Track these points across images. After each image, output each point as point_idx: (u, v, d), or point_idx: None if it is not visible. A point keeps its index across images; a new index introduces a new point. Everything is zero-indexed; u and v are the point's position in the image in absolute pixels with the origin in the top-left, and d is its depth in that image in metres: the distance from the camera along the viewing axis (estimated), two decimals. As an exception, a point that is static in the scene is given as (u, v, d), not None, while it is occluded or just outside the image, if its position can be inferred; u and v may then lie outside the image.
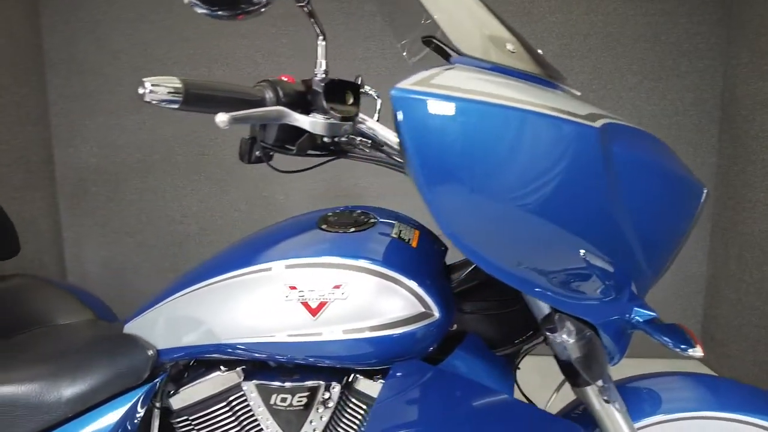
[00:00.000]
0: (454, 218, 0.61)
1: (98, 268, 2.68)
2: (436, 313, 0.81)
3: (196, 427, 0.91)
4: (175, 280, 0.97)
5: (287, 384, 0.85)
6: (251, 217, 2.60)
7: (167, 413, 1.06)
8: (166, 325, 0.91)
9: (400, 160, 0.82)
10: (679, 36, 2.37)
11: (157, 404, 1.02)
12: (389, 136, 0.80)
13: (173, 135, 2.58)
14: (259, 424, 0.89)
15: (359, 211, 0.95)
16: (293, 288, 0.80)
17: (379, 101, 1.18)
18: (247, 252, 0.89)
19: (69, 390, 0.95)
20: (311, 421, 0.86)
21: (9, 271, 1.29)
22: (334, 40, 2.47)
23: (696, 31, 2.36)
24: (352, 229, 0.87)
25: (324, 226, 0.89)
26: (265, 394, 0.86)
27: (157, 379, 0.96)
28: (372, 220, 0.90)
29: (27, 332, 1.16)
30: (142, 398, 0.96)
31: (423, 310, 0.80)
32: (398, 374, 0.73)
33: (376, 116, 1.17)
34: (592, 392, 0.83)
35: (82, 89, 2.59)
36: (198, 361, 0.98)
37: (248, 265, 0.85)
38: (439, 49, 1.21)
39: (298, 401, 0.85)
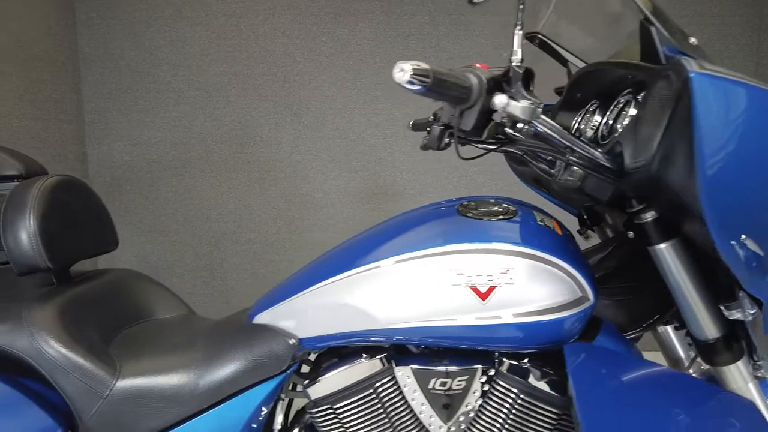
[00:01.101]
0: (724, 195, 0.65)
1: (131, 267, 2.65)
2: (591, 298, 0.84)
3: (341, 416, 0.92)
4: (311, 267, 0.98)
5: (446, 368, 0.87)
6: (289, 214, 2.60)
7: (289, 404, 1.06)
8: (311, 314, 0.92)
9: (562, 148, 0.83)
10: (711, 37, 2.44)
11: (283, 395, 1.03)
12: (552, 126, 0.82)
13: (210, 133, 2.57)
14: (406, 409, 0.91)
15: (492, 200, 0.97)
16: (460, 273, 0.81)
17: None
18: (394, 240, 0.90)
19: (205, 381, 0.96)
20: (467, 405, 0.88)
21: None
22: (375, 38, 2.49)
23: (727, 32, 2.44)
24: (501, 217, 0.89)
25: (470, 215, 0.90)
26: (423, 378, 0.88)
27: (290, 370, 0.97)
28: (513, 209, 0.93)
29: (134, 325, 1.16)
30: (274, 389, 0.97)
31: (581, 294, 0.83)
32: (577, 357, 0.76)
33: None
34: (731, 371, 0.86)
35: (117, 86, 2.56)
36: (330, 350, 0.99)
37: (398, 253, 0.86)
38: (543, 45, 1.24)
39: (457, 385, 0.87)
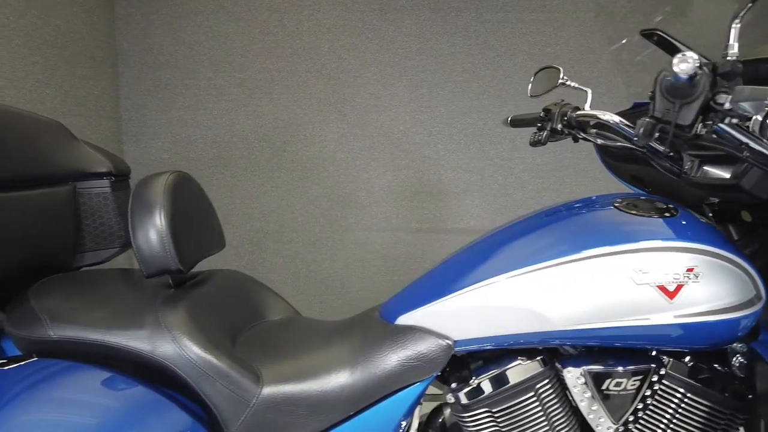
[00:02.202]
0: None
1: (171, 267, 2.59)
2: (764, 296, 0.83)
3: (499, 419, 0.90)
4: (461, 266, 0.95)
5: (621, 369, 0.86)
6: (332, 213, 2.57)
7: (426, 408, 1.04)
8: (470, 316, 0.90)
9: (739, 146, 0.82)
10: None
11: (421, 399, 1.00)
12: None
13: (252, 131, 2.52)
14: (565, 410, 0.90)
15: (643, 197, 0.96)
16: (645, 272, 0.80)
17: (589, 92, 1.19)
18: (562, 238, 0.88)
19: (352, 386, 0.93)
20: (637, 404, 0.87)
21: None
22: (421, 36, 2.46)
23: (770, 31, 2.46)
24: (666, 214, 0.88)
25: (633, 212, 0.89)
26: (597, 379, 0.87)
27: (435, 373, 0.95)
28: (671, 206, 0.91)
29: (251, 328, 1.12)
30: (421, 393, 0.95)
31: (755, 293, 0.82)
32: None
33: (587, 106, 1.18)
34: None
35: (156, 82, 2.50)
36: (472, 353, 0.96)
37: (572, 252, 0.84)
38: (662, 42, 1.23)
39: (631, 385, 0.86)
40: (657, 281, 0.80)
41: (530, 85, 1.30)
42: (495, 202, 2.55)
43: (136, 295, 1.02)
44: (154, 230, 0.94)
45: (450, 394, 0.97)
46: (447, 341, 0.91)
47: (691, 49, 1.19)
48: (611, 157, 1.26)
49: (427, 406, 1.06)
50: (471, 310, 0.90)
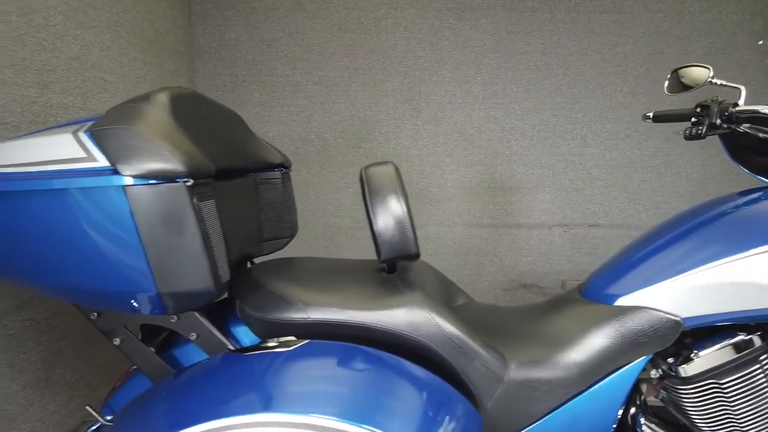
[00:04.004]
0: None
1: (245, 264, 2.59)
2: None
3: (725, 389, 0.96)
4: (682, 247, 1.00)
5: None
6: (405, 209, 2.60)
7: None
8: (700, 294, 0.95)
9: None
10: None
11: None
12: None
13: (329, 128, 2.54)
14: None
15: None
16: None
17: (743, 89, 1.25)
18: None
19: (585, 363, 0.97)
20: None
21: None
22: (496, 34, 2.52)
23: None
24: None
25: None
26: None
27: (660, 349, 0.99)
28: None
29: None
30: (643, 367, 1.00)
31: None
32: None
33: (741, 102, 1.24)
34: None
35: (232, 78, 2.51)
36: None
37: None
38: None
39: None
40: None
41: (666, 82, 1.37)
42: (565, 197, 2.61)
43: (367, 279, 1.05)
44: (394, 216, 0.97)
45: (655, 370, 1.03)
46: (676, 318, 0.96)
47: None
48: (744, 150, 1.32)
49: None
50: (704, 289, 0.95)
